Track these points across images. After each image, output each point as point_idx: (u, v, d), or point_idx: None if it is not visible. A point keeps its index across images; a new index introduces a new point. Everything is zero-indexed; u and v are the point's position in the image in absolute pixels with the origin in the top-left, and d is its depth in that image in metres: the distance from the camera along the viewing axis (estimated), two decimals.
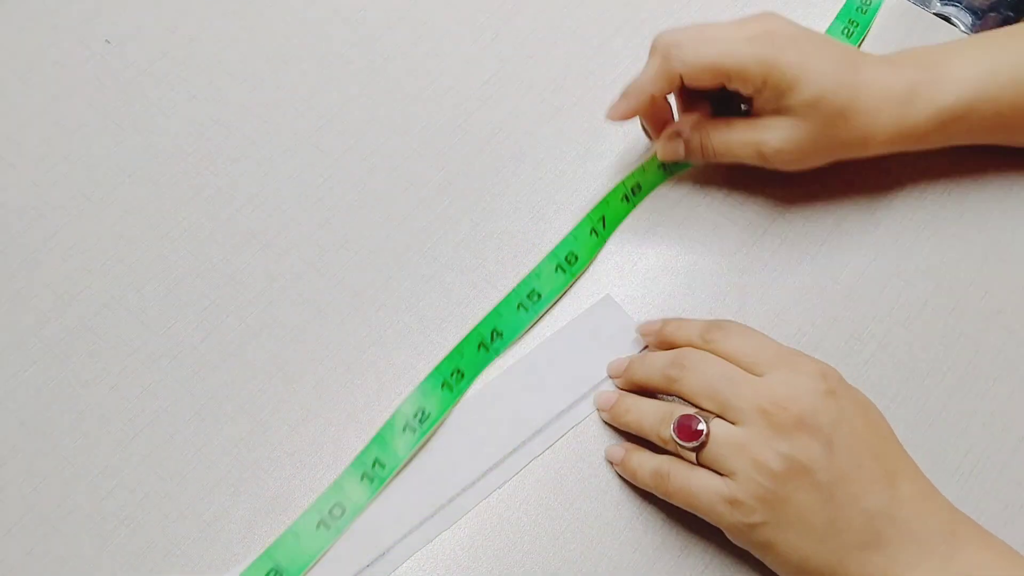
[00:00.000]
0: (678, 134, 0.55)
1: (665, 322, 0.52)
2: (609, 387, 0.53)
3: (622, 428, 0.51)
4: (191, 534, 0.49)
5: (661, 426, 0.47)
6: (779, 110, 0.53)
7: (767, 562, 0.46)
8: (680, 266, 0.56)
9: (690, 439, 0.46)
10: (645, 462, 0.48)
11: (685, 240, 0.57)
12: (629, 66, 0.62)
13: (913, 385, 0.52)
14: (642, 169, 0.58)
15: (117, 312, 0.55)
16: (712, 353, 0.48)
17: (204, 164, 0.60)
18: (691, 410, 0.47)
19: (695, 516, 0.49)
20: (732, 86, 0.52)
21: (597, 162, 0.59)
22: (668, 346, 0.51)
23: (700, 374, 0.47)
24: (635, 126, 0.60)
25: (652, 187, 0.58)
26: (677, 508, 0.49)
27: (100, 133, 0.61)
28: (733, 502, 0.45)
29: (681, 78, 0.53)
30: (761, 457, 0.44)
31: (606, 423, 0.52)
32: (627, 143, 0.60)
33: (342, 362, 0.54)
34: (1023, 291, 0.55)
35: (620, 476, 0.50)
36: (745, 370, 0.47)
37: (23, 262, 0.56)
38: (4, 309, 0.55)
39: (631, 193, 0.58)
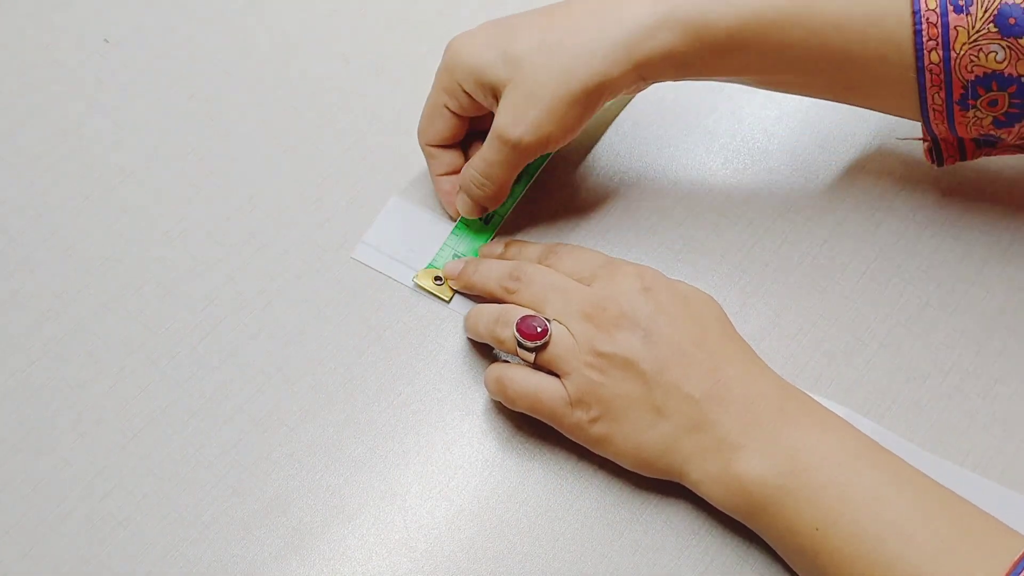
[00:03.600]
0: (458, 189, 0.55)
1: (507, 245, 0.55)
2: None
3: (469, 335, 0.53)
4: (190, 535, 0.49)
5: (498, 326, 0.50)
6: (495, 98, 0.52)
7: (608, 455, 0.49)
8: (680, 266, 0.56)
9: (533, 339, 0.48)
10: (491, 372, 0.50)
11: (685, 240, 0.57)
12: None
13: (913, 385, 0.52)
14: None
15: (116, 312, 0.55)
16: (519, 296, 0.51)
17: (203, 163, 0.60)
18: (528, 312, 0.49)
19: (694, 516, 0.49)
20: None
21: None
22: (486, 289, 0.53)
23: (535, 284, 0.50)
24: None
25: None
26: (677, 509, 0.49)
27: (99, 133, 0.61)
28: (572, 402, 0.48)
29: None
30: (589, 356, 0.47)
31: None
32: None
33: (341, 363, 0.53)
34: (1023, 291, 0.55)
35: (620, 477, 0.50)
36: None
37: (22, 262, 0.56)
38: (3, 309, 0.55)
39: None
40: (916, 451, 0.50)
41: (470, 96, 0.52)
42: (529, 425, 0.52)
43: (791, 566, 0.47)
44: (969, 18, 0.46)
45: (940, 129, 0.51)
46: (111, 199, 0.58)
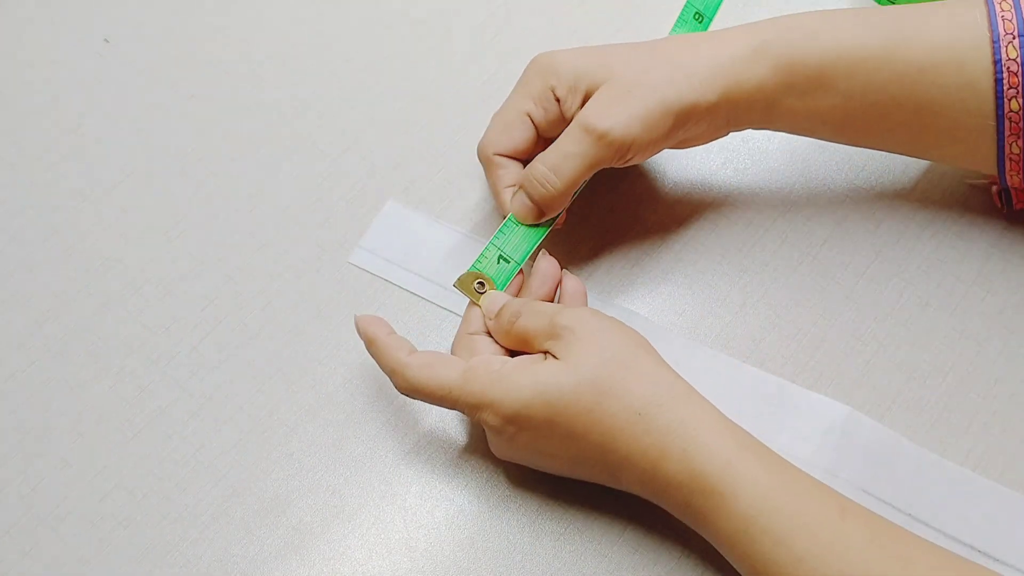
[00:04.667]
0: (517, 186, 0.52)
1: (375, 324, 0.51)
2: None
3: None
4: (190, 535, 0.49)
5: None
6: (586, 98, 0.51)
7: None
8: (680, 266, 0.56)
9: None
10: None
11: (685, 240, 0.57)
12: None
13: (913, 385, 0.52)
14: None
15: (116, 312, 0.55)
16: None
17: (203, 163, 0.60)
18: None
19: None
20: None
21: None
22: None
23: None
24: None
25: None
26: None
27: (99, 132, 0.61)
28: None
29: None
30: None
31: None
32: None
33: (341, 363, 0.53)
34: (1023, 291, 0.55)
35: None
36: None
37: (23, 262, 0.56)
38: (3, 309, 0.55)
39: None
40: (916, 450, 0.50)
41: (559, 103, 0.51)
42: None
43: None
44: None
45: (1014, 180, 0.51)
46: (111, 199, 0.58)
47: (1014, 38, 0.47)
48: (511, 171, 0.52)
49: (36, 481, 0.51)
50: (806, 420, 0.51)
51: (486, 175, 0.54)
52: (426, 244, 0.57)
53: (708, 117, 0.51)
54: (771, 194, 0.58)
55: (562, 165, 0.50)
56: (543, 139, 0.52)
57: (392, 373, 0.48)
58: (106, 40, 0.64)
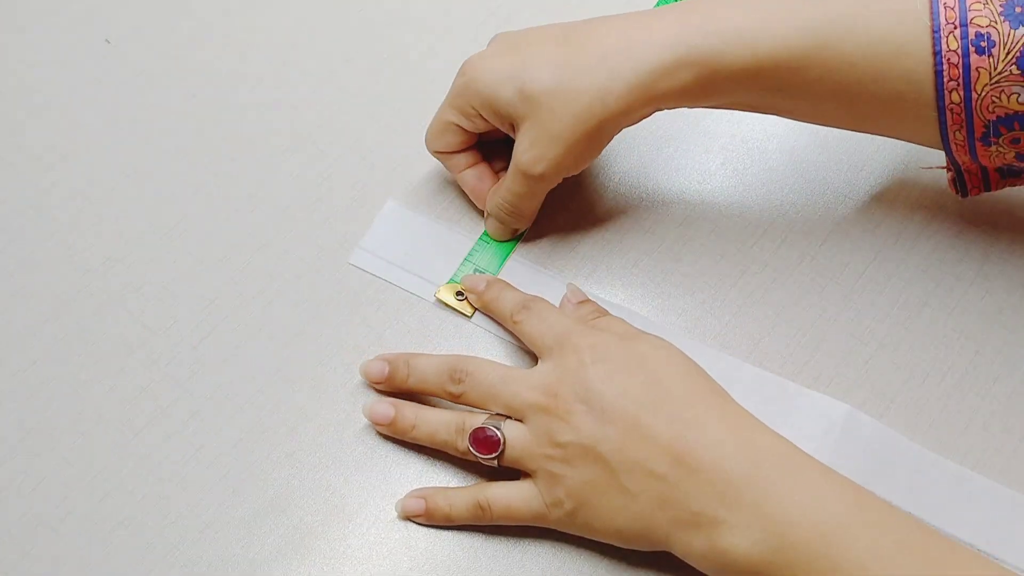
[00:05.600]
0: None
1: (488, 285, 0.54)
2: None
3: (409, 441, 0.51)
4: (190, 535, 0.49)
5: (457, 438, 0.49)
6: (513, 127, 0.52)
7: (598, 539, 0.47)
8: (680, 266, 0.56)
9: (490, 451, 0.48)
10: (455, 501, 0.49)
11: (685, 240, 0.57)
12: None
13: (913, 385, 0.52)
14: None
15: (116, 312, 0.55)
16: (517, 333, 0.52)
17: (203, 163, 0.60)
18: (480, 418, 0.48)
19: None
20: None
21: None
22: (487, 311, 0.54)
23: (477, 384, 0.49)
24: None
25: None
26: None
27: (100, 132, 0.61)
28: (547, 502, 0.47)
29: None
30: (549, 448, 0.46)
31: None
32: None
33: (341, 363, 0.53)
34: (1023, 291, 0.55)
35: None
36: (538, 351, 0.50)
37: (23, 262, 0.56)
38: (4, 309, 0.55)
39: None
40: (916, 449, 0.50)
41: (484, 120, 0.53)
42: None
43: None
44: (991, 60, 0.46)
45: (963, 160, 0.50)
46: (111, 199, 0.58)
47: (955, 28, 0.46)
48: (458, 161, 0.56)
49: (36, 481, 0.50)
50: (806, 419, 0.51)
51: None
52: (426, 244, 0.57)
53: (634, 119, 0.51)
54: (771, 194, 0.58)
55: (517, 201, 0.54)
56: (478, 135, 0.56)
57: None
58: (107, 40, 0.64)
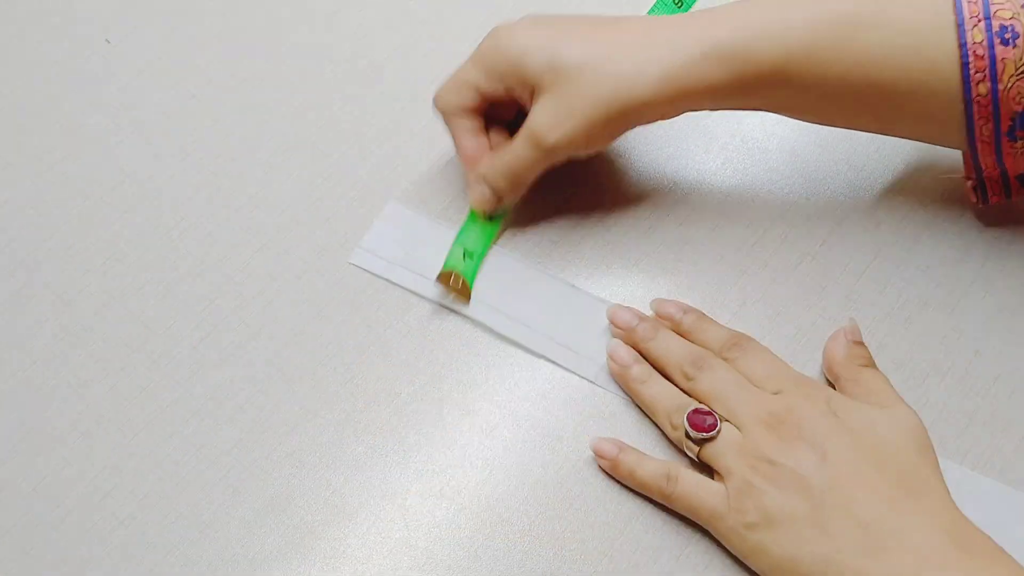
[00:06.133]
0: (479, 179, 0.55)
1: (686, 312, 0.53)
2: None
3: (629, 393, 0.52)
4: (190, 535, 0.49)
5: (675, 412, 0.49)
6: (533, 95, 0.52)
7: (762, 567, 0.46)
8: (680, 266, 0.56)
9: (701, 431, 0.48)
10: (646, 463, 0.49)
11: (685, 240, 0.57)
12: None
13: (913, 385, 0.52)
14: None
15: (117, 312, 0.55)
16: (732, 365, 0.50)
17: (204, 163, 0.60)
18: (703, 406, 0.49)
19: None
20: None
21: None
22: (688, 338, 0.52)
23: (715, 378, 0.49)
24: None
25: None
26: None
27: (100, 133, 0.61)
28: (732, 507, 0.46)
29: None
30: (757, 460, 0.46)
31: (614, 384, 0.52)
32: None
33: (341, 363, 0.53)
34: (1023, 291, 0.55)
35: (605, 475, 0.50)
36: (758, 387, 0.49)
37: (23, 262, 0.56)
38: (4, 309, 0.55)
39: None
40: None
41: (503, 86, 0.53)
42: (530, 426, 0.52)
43: None
44: (1016, 50, 0.46)
45: (987, 162, 0.50)
46: (111, 199, 0.58)
47: (979, 20, 0.46)
48: (463, 122, 0.55)
49: (36, 481, 0.50)
50: None
51: (444, 123, 0.56)
52: (427, 244, 0.57)
53: (656, 115, 0.52)
54: (771, 194, 0.58)
55: (516, 167, 0.54)
56: (491, 102, 0.55)
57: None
58: (108, 41, 0.64)
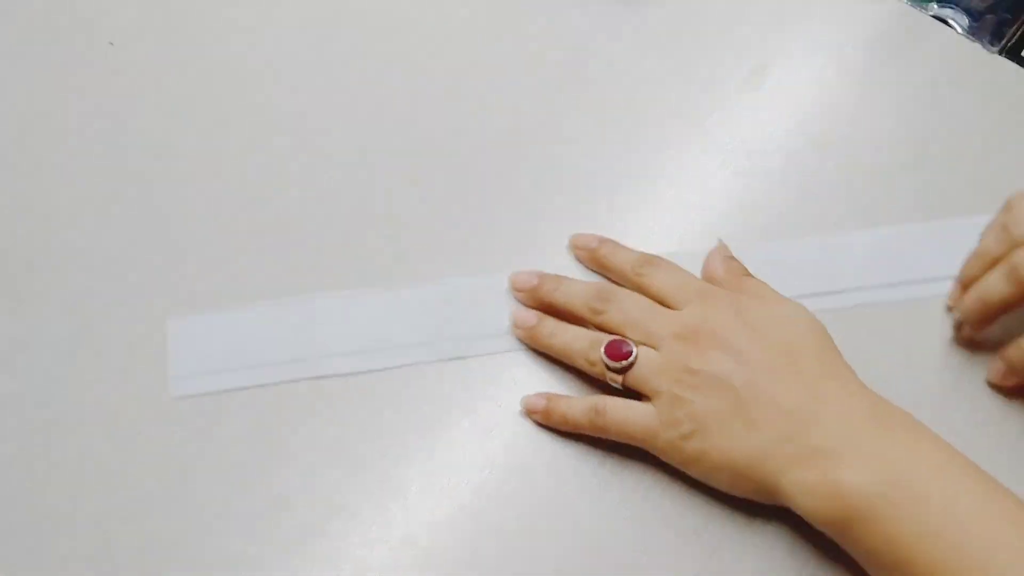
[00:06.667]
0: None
1: (601, 242, 0.55)
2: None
3: (542, 350, 0.53)
4: (191, 535, 0.49)
5: (591, 350, 0.51)
6: None
7: (703, 474, 0.49)
8: (680, 265, 0.56)
9: (619, 359, 0.49)
10: (574, 403, 0.51)
11: (685, 240, 0.57)
12: (629, 66, 0.62)
13: (913, 385, 0.52)
14: None
15: (116, 312, 0.55)
16: (639, 286, 0.52)
17: (206, 164, 0.60)
18: (616, 337, 0.50)
19: (693, 515, 0.49)
20: None
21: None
22: (601, 268, 0.55)
23: (622, 307, 0.51)
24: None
25: None
26: (676, 508, 0.49)
27: (103, 135, 0.61)
28: (663, 422, 0.48)
29: None
30: (679, 373, 0.48)
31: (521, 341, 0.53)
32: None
33: None
34: None
35: (620, 476, 0.50)
36: (668, 305, 0.51)
37: (23, 262, 0.56)
38: (4, 309, 0.55)
39: None
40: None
41: None
42: (530, 424, 0.52)
43: None
44: None
45: None
46: (113, 200, 0.58)
47: None
48: None
49: (36, 481, 0.50)
50: None
51: None
52: (236, 333, 0.53)
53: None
54: (769, 196, 0.58)
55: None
56: None
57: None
58: (111, 43, 0.64)
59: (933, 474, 0.44)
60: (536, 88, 0.62)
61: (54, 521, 0.49)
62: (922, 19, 0.64)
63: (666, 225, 0.58)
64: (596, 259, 0.55)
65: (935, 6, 0.65)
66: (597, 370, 0.50)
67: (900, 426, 0.46)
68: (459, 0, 0.65)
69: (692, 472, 0.49)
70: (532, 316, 0.53)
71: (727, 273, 0.53)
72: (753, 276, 0.53)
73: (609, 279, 0.55)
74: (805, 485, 0.45)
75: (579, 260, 0.56)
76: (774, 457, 0.46)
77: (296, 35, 0.65)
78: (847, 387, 0.48)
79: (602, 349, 0.50)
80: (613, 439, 0.50)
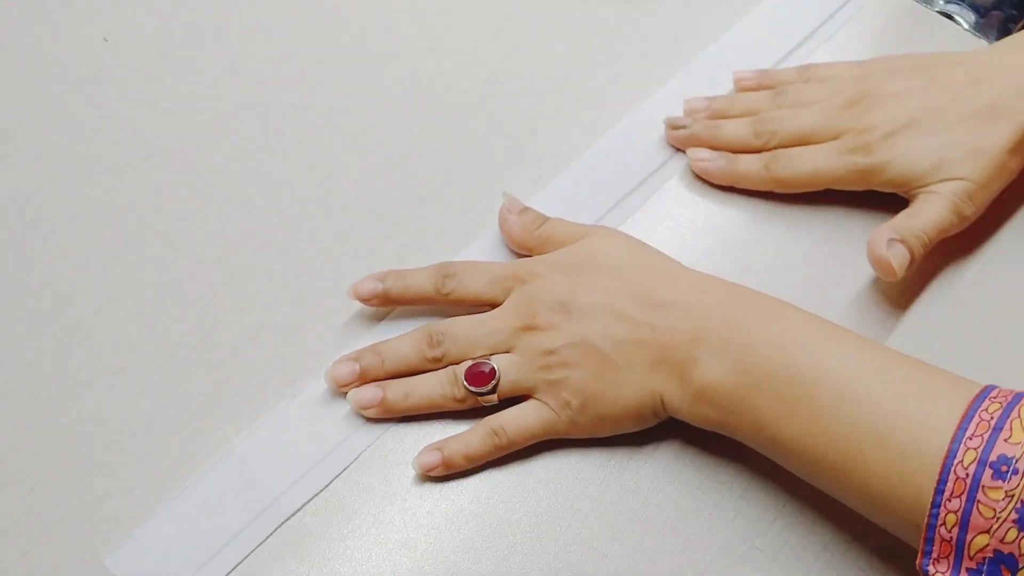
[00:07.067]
0: (893, 240, 0.52)
1: (383, 279, 0.53)
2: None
3: (402, 414, 0.51)
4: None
5: (453, 387, 0.50)
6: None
7: (609, 432, 0.50)
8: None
9: (486, 382, 0.50)
10: (469, 438, 0.50)
11: (686, 240, 0.57)
12: (629, 63, 0.62)
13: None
14: None
15: (116, 312, 0.55)
16: (451, 303, 0.52)
17: (203, 163, 0.60)
18: (467, 363, 0.50)
19: (694, 517, 0.49)
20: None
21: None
22: (401, 302, 0.53)
23: (456, 338, 0.51)
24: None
25: None
26: (677, 508, 0.49)
27: (99, 132, 0.61)
28: (554, 408, 0.49)
29: None
30: (541, 359, 0.49)
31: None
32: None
33: None
34: (1023, 291, 0.55)
35: (620, 476, 0.50)
36: (489, 303, 0.52)
37: (22, 262, 0.56)
38: (3, 309, 0.55)
39: None
40: None
41: None
42: None
43: (774, 460, 0.48)
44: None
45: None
46: (111, 199, 0.58)
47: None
48: None
49: (35, 481, 0.50)
50: None
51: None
52: (185, 529, 0.49)
53: None
54: (771, 194, 0.58)
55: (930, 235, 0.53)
56: None
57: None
58: (105, 39, 0.64)
59: (781, 349, 0.46)
60: (536, 87, 0.62)
61: (51, 521, 0.49)
62: (928, 15, 0.64)
63: (667, 225, 0.57)
64: (390, 298, 0.53)
65: (941, 2, 0.65)
66: (469, 403, 0.50)
67: (754, 310, 0.48)
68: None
69: (602, 434, 0.50)
70: (374, 391, 0.51)
71: (524, 228, 0.54)
72: (549, 218, 0.54)
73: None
74: (680, 397, 0.48)
75: (372, 307, 0.54)
76: (653, 384, 0.48)
77: (291, 31, 0.65)
78: (678, 286, 0.49)
79: (463, 382, 0.50)
80: (518, 448, 0.50)
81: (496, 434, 0.49)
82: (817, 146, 0.55)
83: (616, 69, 0.62)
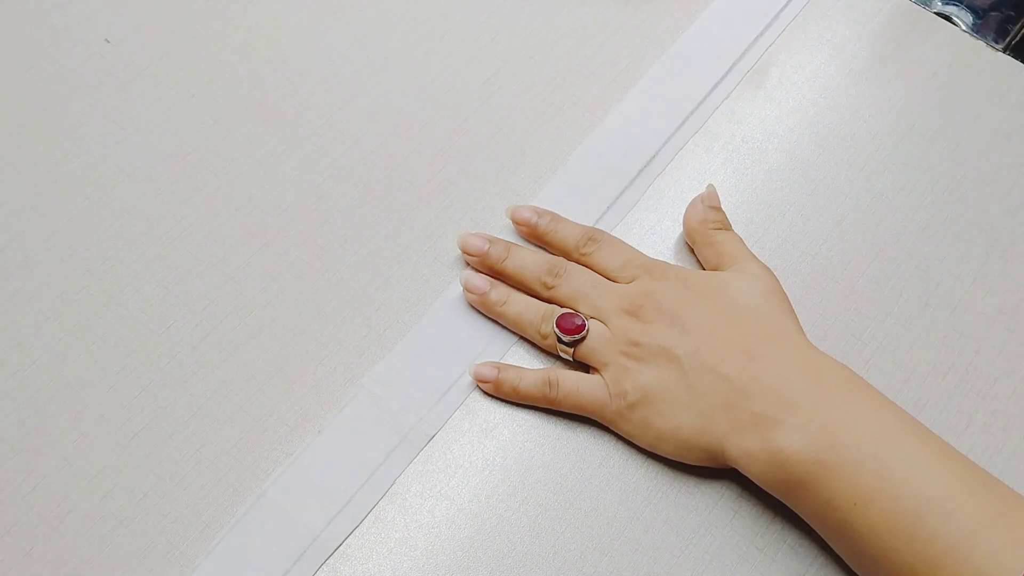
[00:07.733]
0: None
1: (539, 215, 0.55)
2: None
3: (493, 317, 0.54)
4: (190, 534, 0.49)
5: (543, 322, 0.52)
6: None
7: (650, 442, 0.50)
8: (681, 265, 0.56)
9: (571, 333, 0.51)
10: (526, 375, 0.52)
11: (685, 240, 0.57)
12: (630, 64, 0.62)
13: (913, 385, 0.52)
14: None
15: (116, 312, 0.55)
16: (585, 262, 0.53)
17: (203, 163, 0.60)
18: (569, 309, 0.52)
19: (695, 515, 0.49)
20: None
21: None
22: (542, 243, 0.55)
23: (573, 282, 0.52)
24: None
25: None
26: (677, 508, 0.49)
27: (99, 132, 0.61)
28: (612, 393, 0.50)
29: None
30: (625, 346, 0.50)
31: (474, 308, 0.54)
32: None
33: (341, 363, 0.53)
34: (1023, 291, 0.55)
35: (620, 476, 0.50)
36: (613, 279, 0.52)
37: (22, 262, 0.56)
38: (3, 309, 0.55)
39: None
40: None
41: None
42: (529, 425, 0.52)
43: (827, 541, 0.47)
44: None
45: None
46: (111, 199, 0.58)
47: None
48: None
49: (36, 481, 0.50)
50: None
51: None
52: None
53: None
54: (771, 194, 0.58)
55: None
56: None
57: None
58: (107, 40, 0.64)
59: (871, 438, 0.45)
60: (536, 87, 0.62)
61: (51, 521, 0.49)
62: (926, 16, 0.64)
63: (667, 225, 0.57)
64: (537, 234, 0.55)
65: (939, 3, 0.65)
66: (549, 343, 0.52)
67: (835, 383, 0.47)
68: None
69: (641, 442, 0.50)
70: (483, 282, 0.53)
71: (700, 224, 0.54)
72: (729, 230, 0.55)
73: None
74: (747, 451, 0.47)
75: (520, 235, 0.56)
76: (717, 424, 0.48)
77: (292, 32, 0.64)
78: (787, 348, 0.49)
79: (554, 322, 0.51)
80: (562, 410, 0.51)
81: (550, 384, 0.51)
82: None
83: (616, 70, 0.62)
